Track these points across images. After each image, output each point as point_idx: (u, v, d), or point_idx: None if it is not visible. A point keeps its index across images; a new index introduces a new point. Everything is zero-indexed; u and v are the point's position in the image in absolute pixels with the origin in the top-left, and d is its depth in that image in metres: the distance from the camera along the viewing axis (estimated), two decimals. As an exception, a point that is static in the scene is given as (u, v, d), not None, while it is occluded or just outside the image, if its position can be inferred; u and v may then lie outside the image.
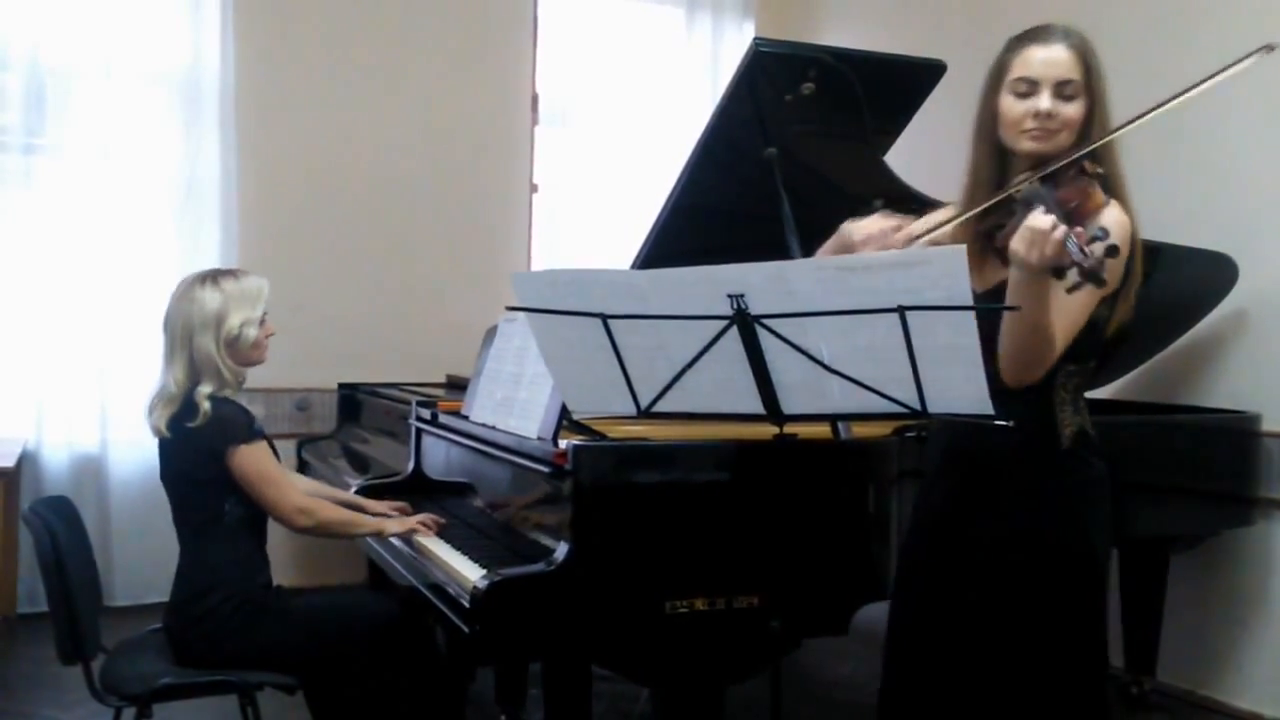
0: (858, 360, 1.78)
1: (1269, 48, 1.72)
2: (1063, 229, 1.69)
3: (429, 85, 5.39)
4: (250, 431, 2.63)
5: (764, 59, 2.89)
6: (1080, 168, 1.86)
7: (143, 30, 4.83)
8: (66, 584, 2.50)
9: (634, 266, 3.05)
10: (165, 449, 2.70)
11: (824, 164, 3.18)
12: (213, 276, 2.70)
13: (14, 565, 4.50)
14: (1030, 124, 1.94)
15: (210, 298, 2.65)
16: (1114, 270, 1.91)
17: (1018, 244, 1.74)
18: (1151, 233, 3.48)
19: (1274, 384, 3.72)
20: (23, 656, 4.04)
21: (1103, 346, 2.06)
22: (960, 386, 1.72)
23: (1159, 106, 1.80)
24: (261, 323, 2.71)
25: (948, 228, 2.02)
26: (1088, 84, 1.96)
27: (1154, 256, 3.45)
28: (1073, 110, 1.95)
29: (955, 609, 2.08)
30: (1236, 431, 3.62)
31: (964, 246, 1.64)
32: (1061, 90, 1.94)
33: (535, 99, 5.61)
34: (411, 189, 5.36)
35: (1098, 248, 1.68)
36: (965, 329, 1.67)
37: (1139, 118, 1.84)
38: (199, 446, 2.61)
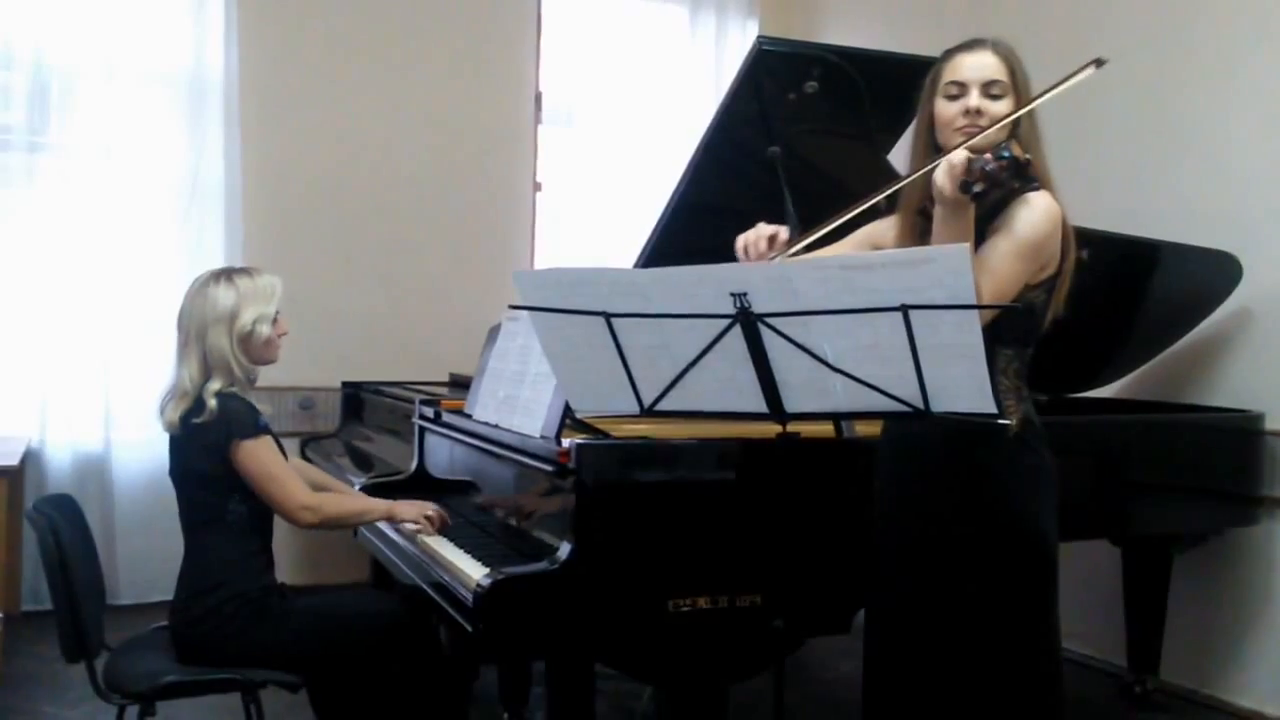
0: (861, 359, 1.78)
1: (1099, 62, 1.87)
2: (969, 154, 1.87)
3: (433, 84, 5.39)
4: (255, 427, 2.62)
5: (767, 57, 2.89)
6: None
7: (147, 29, 4.84)
8: (70, 582, 2.50)
9: (637, 265, 3.05)
10: (174, 445, 2.71)
11: (827, 162, 3.18)
12: (227, 274, 2.71)
13: (18, 563, 4.51)
14: (961, 121, 2.07)
15: (224, 294, 2.65)
16: (1046, 253, 2.06)
17: (937, 175, 1.90)
18: (1155, 231, 3.53)
19: (1278, 383, 3.72)
20: (27, 654, 4.04)
21: (1040, 335, 2.15)
22: (963, 384, 1.73)
23: (1035, 99, 2.00)
24: (275, 321, 2.72)
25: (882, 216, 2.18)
26: (1013, 84, 2.09)
27: (1157, 255, 3.47)
28: (1000, 108, 2.07)
29: (917, 597, 2.15)
30: (1240, 430, 3.61)
31: (967, 245, 1.65)
32: (988, 90, 2.07)
33: (539, 98, 5.61)
34: (415, 187, 5.37)
35: (1003, 162, 1.82)
36: (968, 327, 1.67)
37: (1026, 105, 2.04)
38: (204, 442, 2.61)
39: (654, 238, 3.13)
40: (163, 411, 2.69)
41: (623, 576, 2.29)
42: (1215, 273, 3.67)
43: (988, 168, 1.83)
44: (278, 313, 2.73)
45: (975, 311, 1.66)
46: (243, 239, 4.97)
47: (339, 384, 4.88)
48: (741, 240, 2.15)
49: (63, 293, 4.76)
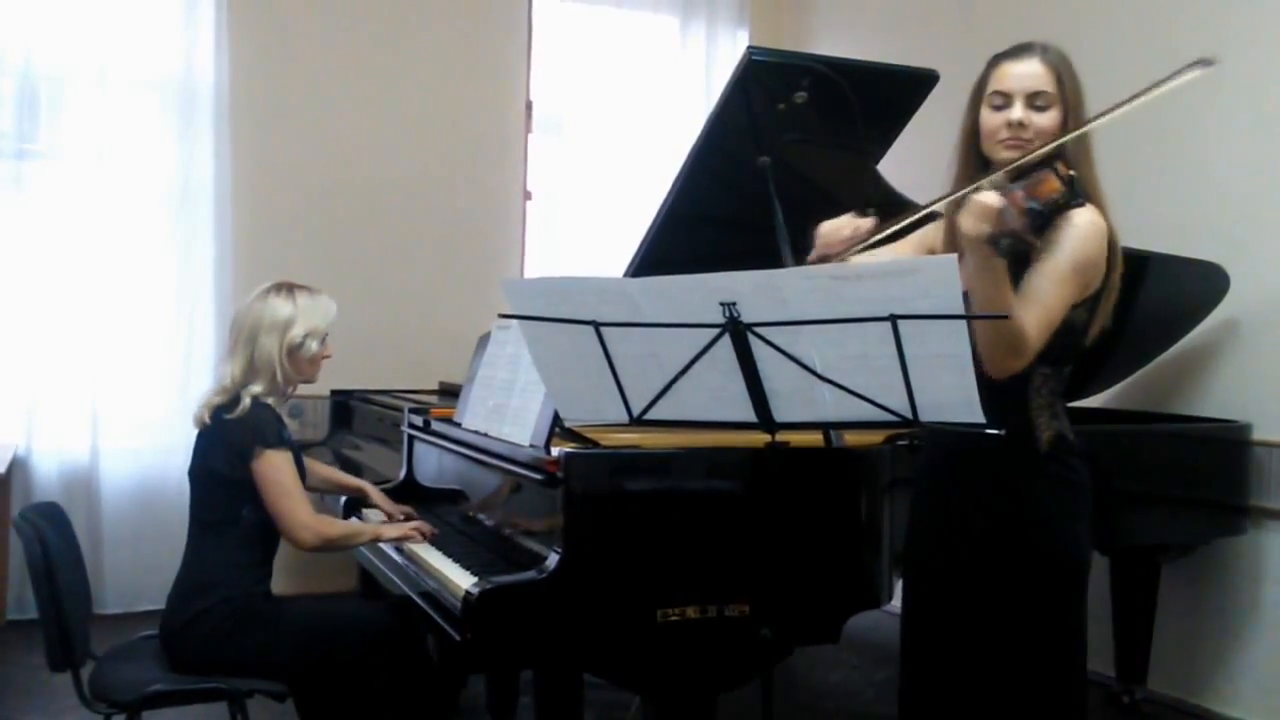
0: (849, 369, 1.78)
1: (1205, 62, 1.77)
2: (1000, 198, 1.79)
3: (423, 91, 5.39)
4: (279, 438, 2.67)
5: (757, 68, 2.90)
6: (1052, 169, 1.89)
7: (137, 36, 4.83)
8: (56, 591, 2.49)
9: (627, 274, 3.05)
10: (199, 442, 2.74)
11: (817, 172, 3.19)
12: (288, 287, 2.81)
13: (4, 572, 4.49)
14: (1005, 134, 2.02)
15: (282, 305, 2.75)
16: (1091, 271, 2.00)
17: (962, 216, 1.82)
18: (1143, 242, 3.52)
19: (1264, 393, 3.74)
20: (12, 663, 4.02)
21: (1080, 352, 2.10)
22: (951, 394, 1.73)
23: (1098, 117, 1.91)
24: (323, 341, 2.81)
25: (930, 223, 2.11)
26: (1061, 95, 2.03)
27: (1145, 266, 3.48)
28: (1045, 120, 2.01)
29: (949, 612, 2.13)
30: (1227, 441, 3.62)
31: (955, 256, 1.65)
32: (1033, 101, 2.01)
33: (529, 106, 5.62)
34: (405, 195, 5.36)
35: (1029, 215, 1.79)
36: (956, 337, 1.67)
37: (1086, 125, 1.96)
38: (230, 441, 2.65)
39: (644, 247, 3.13)
40: (198, 408, 2.74)
41: (611, 586, 2.29)
42: (1203, 284, 3.69)
43: (1012, 225, 1.79)
44: (327, 335, 2.82)
45: (963, 322, 1.66)
46: (233, 246, 4.97)
47: (328, 392, 4.86)
48: (825, 225, 2.11)
49: (51, 300, 4.74)
